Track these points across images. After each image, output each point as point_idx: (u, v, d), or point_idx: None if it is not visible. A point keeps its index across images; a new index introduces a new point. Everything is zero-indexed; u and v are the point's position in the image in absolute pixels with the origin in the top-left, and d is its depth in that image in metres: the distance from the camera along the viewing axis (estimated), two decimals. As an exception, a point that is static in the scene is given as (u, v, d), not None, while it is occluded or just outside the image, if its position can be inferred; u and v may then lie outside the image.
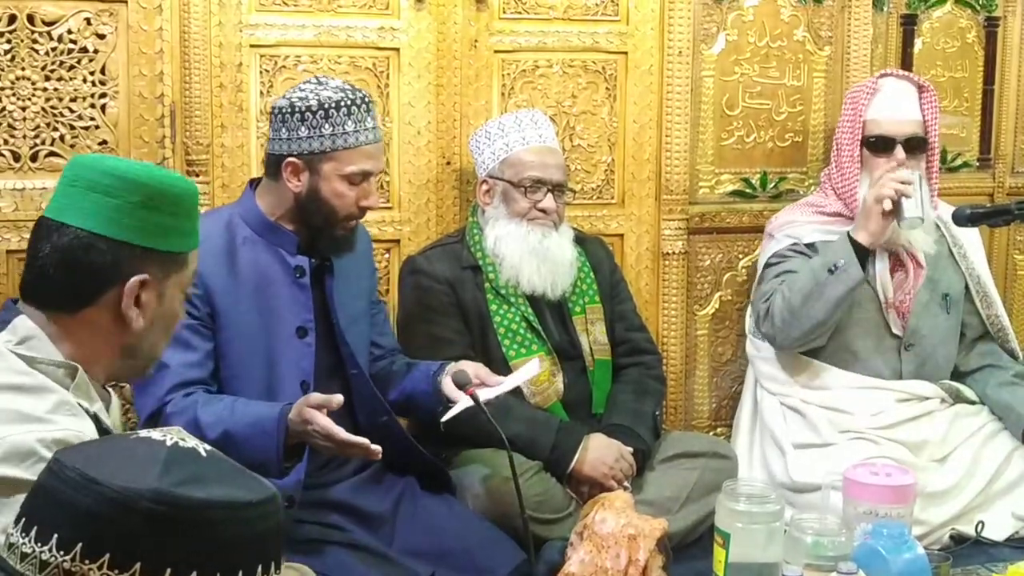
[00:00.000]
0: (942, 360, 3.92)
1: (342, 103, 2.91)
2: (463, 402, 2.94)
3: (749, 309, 4.11)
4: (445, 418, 2.92)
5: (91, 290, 1.93)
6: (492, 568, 2.90)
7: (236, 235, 2.98)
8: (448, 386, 3.04)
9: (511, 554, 2.96)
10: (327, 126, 2.90)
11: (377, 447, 2.71)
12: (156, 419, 2.79)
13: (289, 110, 2.92)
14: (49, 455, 1.59)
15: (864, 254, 3.67)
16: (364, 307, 3.24)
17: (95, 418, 1.85)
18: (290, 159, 2.93)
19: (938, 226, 3.91)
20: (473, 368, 3.04)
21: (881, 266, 3.83)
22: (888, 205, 3.60)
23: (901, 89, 3.88)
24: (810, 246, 3.86)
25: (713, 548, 2.83)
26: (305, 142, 2.91)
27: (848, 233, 3.69)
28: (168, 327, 2.07)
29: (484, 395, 2.95)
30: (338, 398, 2.71)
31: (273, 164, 2.98)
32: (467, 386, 2.95)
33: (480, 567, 2.89)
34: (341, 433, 2.68)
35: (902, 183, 3.61)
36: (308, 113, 2.90)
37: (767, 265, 3.93)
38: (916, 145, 3.81)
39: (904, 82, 3.90)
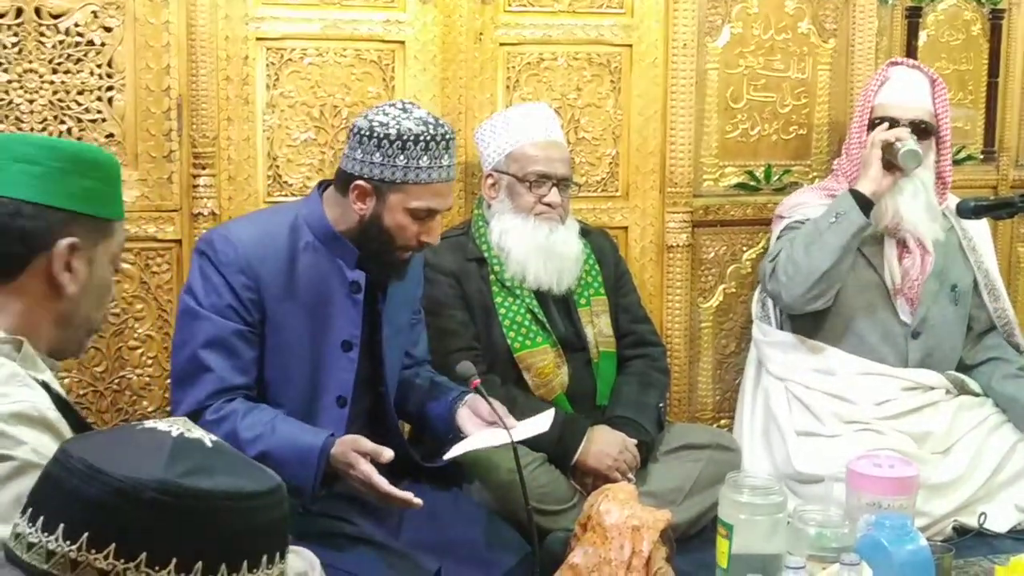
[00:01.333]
0: (948, 351, 3.93)
1: (421, 137, 2.84)
2: (468, 442, 2.92)
3: (756, 294, 4.11)
4: (448, 455, 2.90)
5: (21, 257, 1.94)
6: (497, 560, 2.89)
7: (300, 239, 2.95)
8: (462, 417, 3.02)
9: (516, 546, 2.96)
10: (402, 157, 2.83)
11: (419, 501, 2.72)
12: (193, 420, 2.78)
13: (368, 133, 2.86)
14: (10, 429, 1.61)
15: (867, 205, 3.67)
16: (406, 320, 3.22)
17: (45, 386, 1.85)
18: (359, 182, 2.88)
19: (946, 216, 3.91)
20: (488, 407, 2.99)
21: (889, 252, 3.84)
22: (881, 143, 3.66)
23: (912, 78, 3.88)
24: None
25: (716, 539, 2.84)
26: (377, 168, 2.85)
27: (849, 187, 3.73)
28: (101, 297, 2.08)
29: (487, 438, 2.93)
30: (388, 454, 2.71)
31: (343, 180, 2.93)
32: (471, 378, 2.95)
33: (485, 559, 2.88)
34: (384, 485, 2.69)
35: (896, 137, 3.67)
36: (385, 140, 2.83)
37: (777, 239, 3.95)
38: (921, 130, 3.80)
39: (916, 72, 3.91)
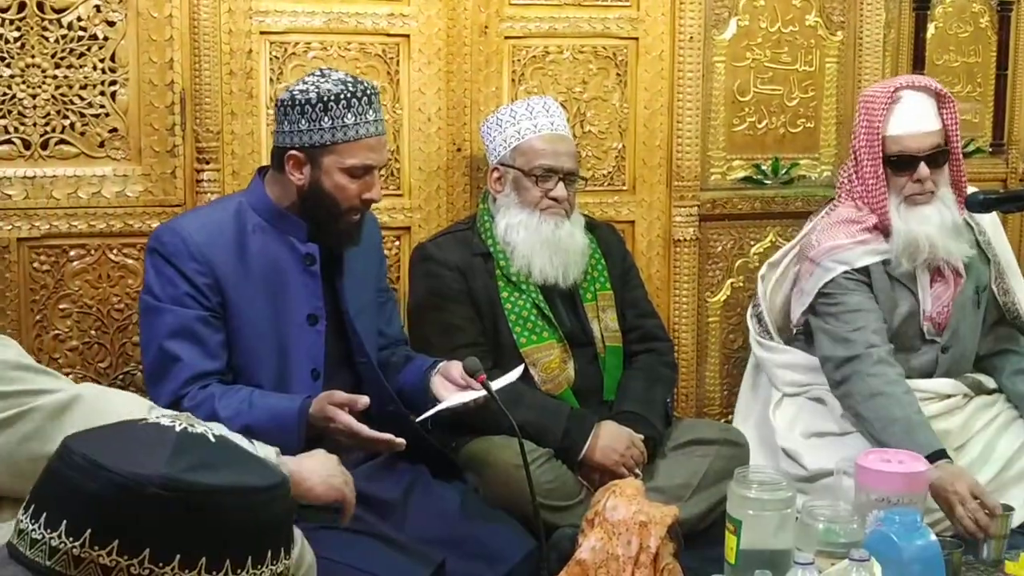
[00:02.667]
0: (970, 354, 3.90)
1: (342, 95, 2.89)
2: (444, 403, 2.93)
3: (750, 309, 4.08)
4: (421, 417, 2.91)
5: None
6: (503, 555, 2.88)
7: (246, 223, 2.98)
8: (436, 384, 3.04)
9: (522, 541, 2.95)
10: (326, 119, 2.89)
11: (401, 440, 2.74)
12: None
13: (290, 103, 2.92)
14: None
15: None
16: (372, 296, 3.24)
17: None
18: (291, 152, 2.93)
19: (969, 225, 3.86)
20: (459, 370, 3.01)
21: (923, 280, 3.78)
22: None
23: (919, 101, 3.76)
24: (862, 270, 3.76)
25: (724, 535, 2.82)
26: (305, 135, 2.91)
27: (932, 454, 3.38)
28: None
29: (461, 396, 2.95)
30: (363, 400, 2.73)
31: (277, 156, 2.99)
32: (478, 373, 2.94)
33: (491, 554, 2.88)
34: (364, 430, 2.70)
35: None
36: (308, 106, 2.89)
37: (823, 294, 3.78)
38: (938, 158, 3.73)
39: (921, 93, 3.77)
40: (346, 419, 2.71)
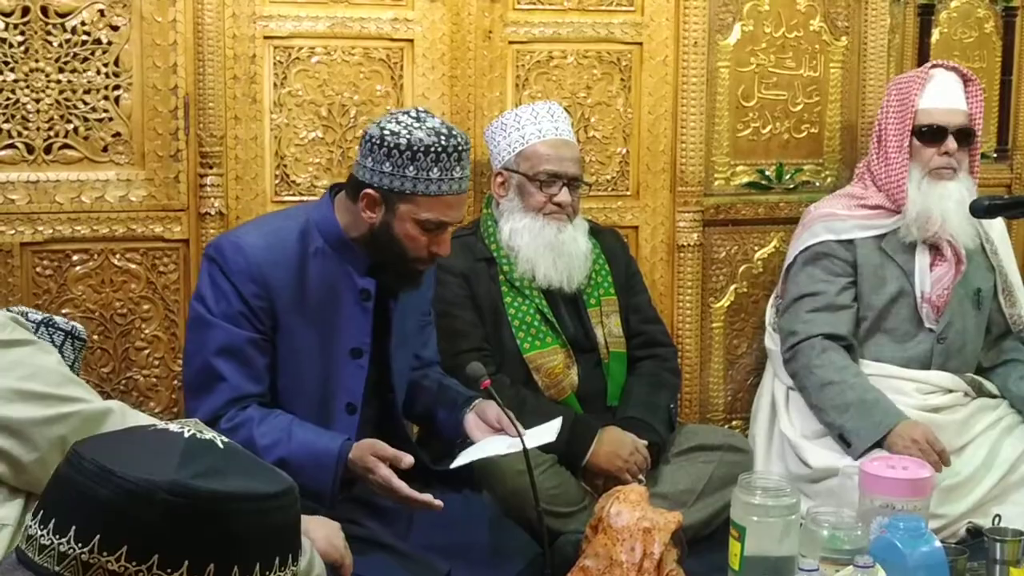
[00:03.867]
0: (969, 355, 3.91)
1: (432, 148, 2.80)
2: (478, 449, 2.91)
3: (771, 300, 4.09)
4: (456, 464, 2.88)
5: None
6: (507, 563, 2.87)
7: (310, 244, 2.92)
8: (469, 424, 3.02)
9: (526, 548, 2.94)
10: (411, 168, 2.80)
11: (439, 502, 2.72)
12: None
13: (379, 141, 2.82)
14: None
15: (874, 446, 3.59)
16: (416, 324, 3.20)
17: None
18: (369, 190, 2.85)
19: (976, 223, 3.88)
20: (495, 412, 2.98)
21: (922, 261, 3.82)
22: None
23: (950, 80, 3.86)
24: (848, 243, 3.84)
25: (728, 541, 2.82)
26: (387, 178, 2.82)
27: (890, 428, 3.58)
28: None
29: (496, 445, 2.92)
30: (408, 459, 2.71)
31: (354, 187, 2.90)
32: (481, 379, 2.93)
33: (495, 562, 2.87)
34: (404, 488, 2.69)
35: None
36: (395, 150, 2.79)
37: (794, 264, 3.92)
38: (964, 137, 3.81)
39: (952, 73, 3.88)
40: (386, 473, 2.69)
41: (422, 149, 2.79)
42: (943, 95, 3.84)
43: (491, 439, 2.94)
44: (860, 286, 3.85)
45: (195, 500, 1.24)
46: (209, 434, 1.33)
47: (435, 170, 2.81)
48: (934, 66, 3.92)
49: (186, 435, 1.31)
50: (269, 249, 2.89)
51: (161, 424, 1.37)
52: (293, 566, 1.31)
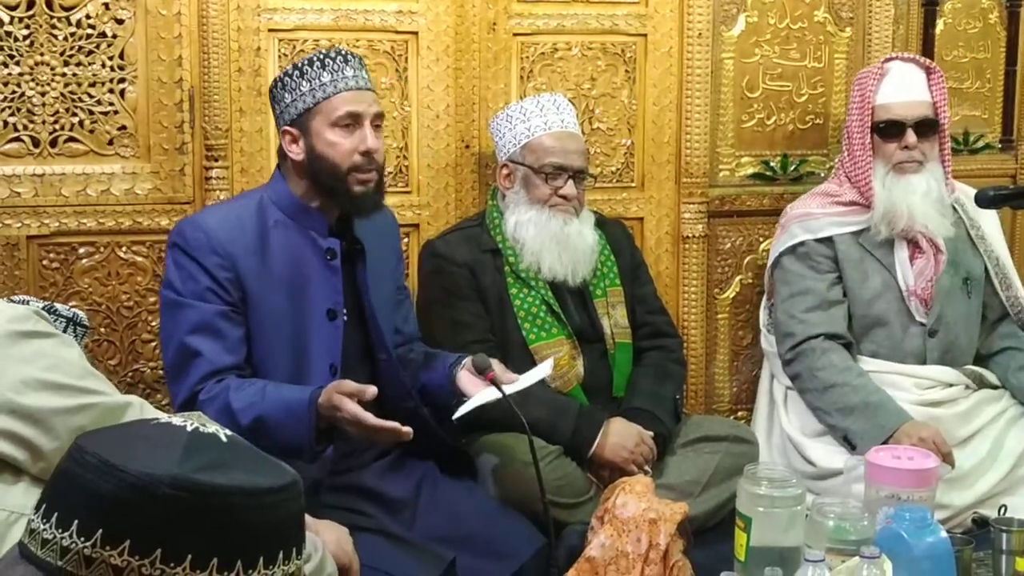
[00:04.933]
0: (965, 345, 3.90)
1: (315, 59, 2.94)
2: (477, 397, 2.92)
3: (763, 303, 4.09)
4: (458, 414, 2.90)
5: None
6: (512, 553, 2.88)
7: (267, 218, 2.97)
8: (463, 380, 3.03)
9: (531, 539, 2.95)
10: (304, 83, 2.92)
11: (408, 428, 2.72)
12: (189, 407, 2.80)
13: (275, 84, 3.00)
14: None
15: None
16: (391, 292, 3.23)
17: None
18: (285, 128, 2.96)
19: (955, 209, 3.88)
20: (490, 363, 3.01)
21: (901, 255, 3.81)
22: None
23: (908, 72, 3.84)
24: (827, 240, 3.84)
25: (734, 532, 2.82)
26: (291, 107, 2.95)
27: (895, 430, 3.56)
28: None
29: (494, 391, 2.92)
30: (372, 390, 2.71)
31: (280, 145, 3.02)
32: (487, 371, 2.94)
33: (500, 552, 2.88)
34: (370, 419, 2.68)
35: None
36: (287, 78, 2.95)
37: (778, 266, 3.92)
38: (926, 128, 3.79)
39: (911, 64, 3.86)
40: (352, 407, 2.68)
41: (307, 63, 2.96)
42: (900, 88, 3.81)
43: (485, 390, 2.95)
44: (845, 282, 3.84)
45: (197, 494, 1.23)
46: (212, 427, 1.33)
47: (325, 74, 2.93)
48: (890, 59, 3.89)
49: (189, 428, 1.31)
50: (225, 223, 2.96)
51: (164, 417, 1.36)
52: (297, 560, 1.31)
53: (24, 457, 2.15)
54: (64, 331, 2.78)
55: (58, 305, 2.74)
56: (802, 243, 3.86)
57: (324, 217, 3.00)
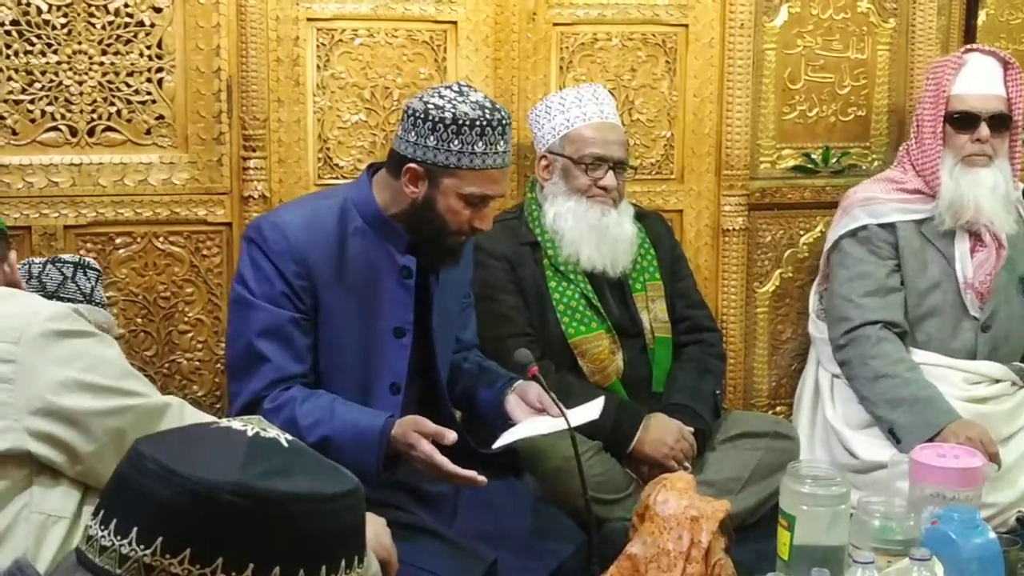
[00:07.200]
0: (1015, 343, 3.87)
1: (477, 122, 2.79)
2: (518, 430, 2.89)
3: (814, 287, 4.05)
4: (497, 444, 2.87)
5: None
6: (553, 550, 2.87)
7: (348, 224, 2.92)
8: (511, 405, 2.99)
9: (572, 535, 2.94)
10: (456, 142, 2.79)
11: (483, 478, 2.70)
12: (250, 411, 2.77)
13: (422, 116, 2.81)
14: None
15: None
16: (456, 307, 3.19)
17: None
18: (412, 164, 2.84)
19: (1017, 208, 3.84)
20: (536, 393, 2.96)
21: (962, 247, 3.78)
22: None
23: (987, 64, 3.79)
24: (889, 226, 3.80)
25: (775, 530, 2.79)
26: (431, 152, 2.81)
27: (942, 427, 3.53)
28: None
29: (539, 426, 2.89)
30: (451, 435, 2.70)
31: (395, 163, 2.89)
32: (530, 365, 2.91)
33: (541, 549, 2.86)
34: (447, 464, 2.67)
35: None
36: (440, 124, 2.79)
37: (837, 249, 3.88)
38: (999, 123, 3.74)
39: (990, 57, 3.81)
40: (428, 449, 2.68)
41: (467, 123, 2.79)
42: (977, 80, 3.77)
43: (533, 419, 2.93)
44: (903, 270, 3.80)
45: (259, 501, 1.21)
46: (272, 432, 1.30)
47: (480, 144, 2.80)
48: (970, 50, 3.85)
49: (249, 433, 1.28)
50: (308, 228, 2.89)
51: (224, 422, 1.34)
52: (359, 568, 1.29)
53: (62, 460, 2.13)
54: (73, 275, 2.78)
55: (63, 255, 2.74)
56: (864, 227, 3.82)
57: (405, 233, 2.94)
